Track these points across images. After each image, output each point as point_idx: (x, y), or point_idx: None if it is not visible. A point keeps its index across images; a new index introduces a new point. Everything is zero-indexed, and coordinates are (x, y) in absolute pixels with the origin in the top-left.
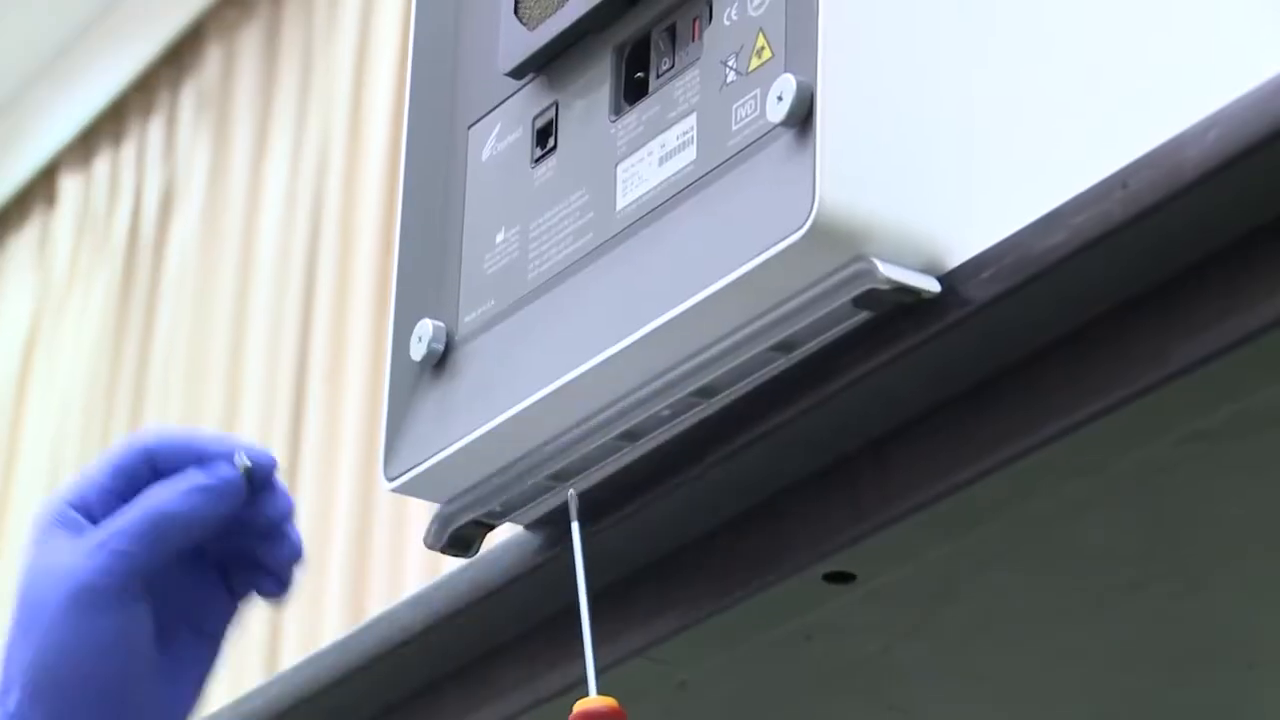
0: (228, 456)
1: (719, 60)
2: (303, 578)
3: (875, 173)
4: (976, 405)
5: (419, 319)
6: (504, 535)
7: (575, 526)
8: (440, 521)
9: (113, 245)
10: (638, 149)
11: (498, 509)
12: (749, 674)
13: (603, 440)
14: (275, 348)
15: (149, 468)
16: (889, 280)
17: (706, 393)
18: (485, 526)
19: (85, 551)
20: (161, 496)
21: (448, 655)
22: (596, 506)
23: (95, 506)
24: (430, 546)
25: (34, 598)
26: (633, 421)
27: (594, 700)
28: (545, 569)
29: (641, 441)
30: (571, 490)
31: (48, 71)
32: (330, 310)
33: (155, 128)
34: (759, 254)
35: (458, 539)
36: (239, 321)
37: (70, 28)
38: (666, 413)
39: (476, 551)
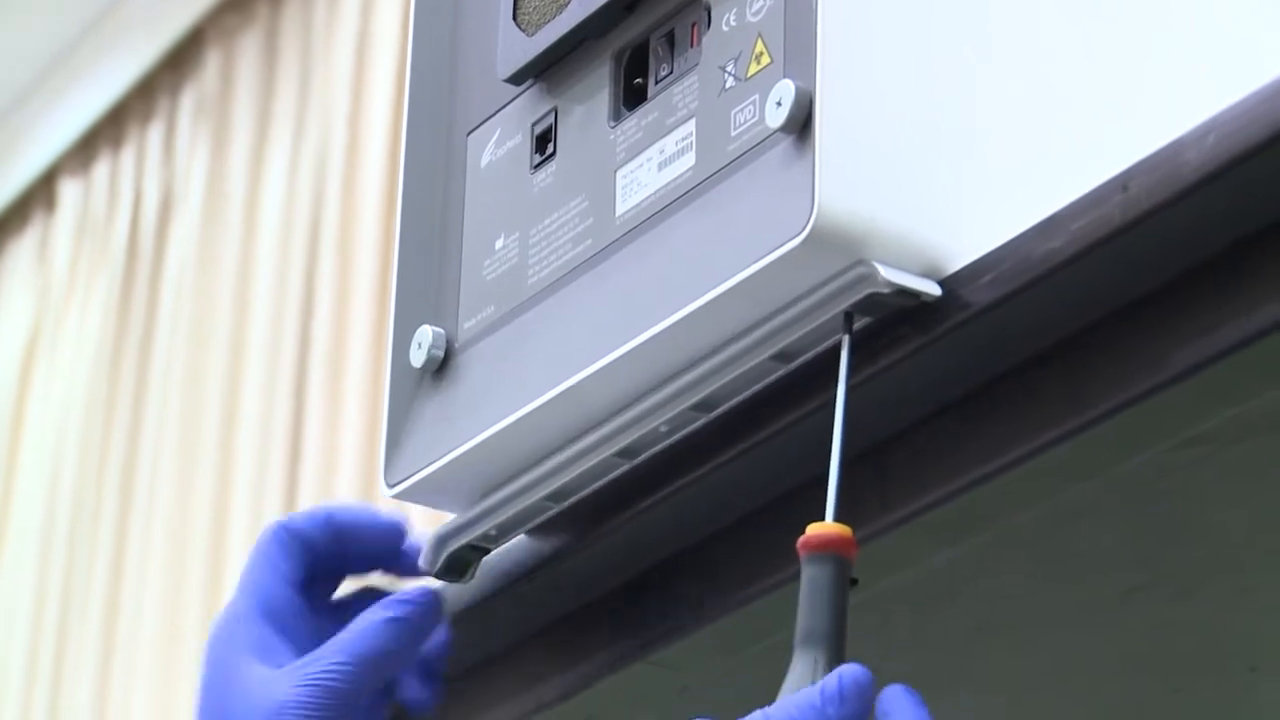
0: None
1: (718, 66)
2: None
3: (874, 177)
4: (976, 410)
5: (419, 325)
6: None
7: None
8: (435, 545)
9: (112, 250)
10: (637, 155)
11: (493, 532)
12: (750, 679)
13: (600, 458)
14: (275, 353)
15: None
16: (890, 284)
17: (705, 406)
18: (481, 550)
19: (292, 682)
20: (368, 631)
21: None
22: (597, 512)
23: (287, 618)
24: (426, 571)
25: None
26: (630, 438)
27: (826, 526)
28: (538, 578)
29: (639, 459)
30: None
31: (47, 77)
32: (330, 316)
33: (155, 133)
34: (759, 259)
35: (453, 563)
36: (239, 327)
37: (69, 33)
38: (665, 429)
39: (471, 576)
